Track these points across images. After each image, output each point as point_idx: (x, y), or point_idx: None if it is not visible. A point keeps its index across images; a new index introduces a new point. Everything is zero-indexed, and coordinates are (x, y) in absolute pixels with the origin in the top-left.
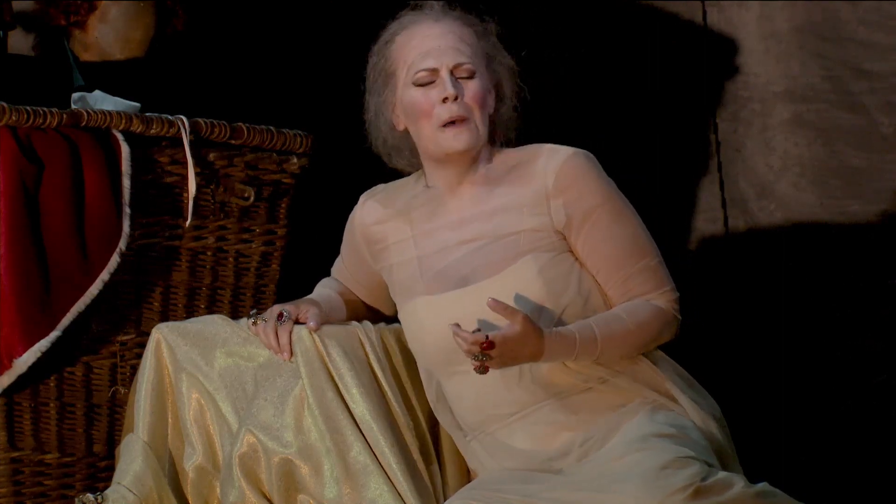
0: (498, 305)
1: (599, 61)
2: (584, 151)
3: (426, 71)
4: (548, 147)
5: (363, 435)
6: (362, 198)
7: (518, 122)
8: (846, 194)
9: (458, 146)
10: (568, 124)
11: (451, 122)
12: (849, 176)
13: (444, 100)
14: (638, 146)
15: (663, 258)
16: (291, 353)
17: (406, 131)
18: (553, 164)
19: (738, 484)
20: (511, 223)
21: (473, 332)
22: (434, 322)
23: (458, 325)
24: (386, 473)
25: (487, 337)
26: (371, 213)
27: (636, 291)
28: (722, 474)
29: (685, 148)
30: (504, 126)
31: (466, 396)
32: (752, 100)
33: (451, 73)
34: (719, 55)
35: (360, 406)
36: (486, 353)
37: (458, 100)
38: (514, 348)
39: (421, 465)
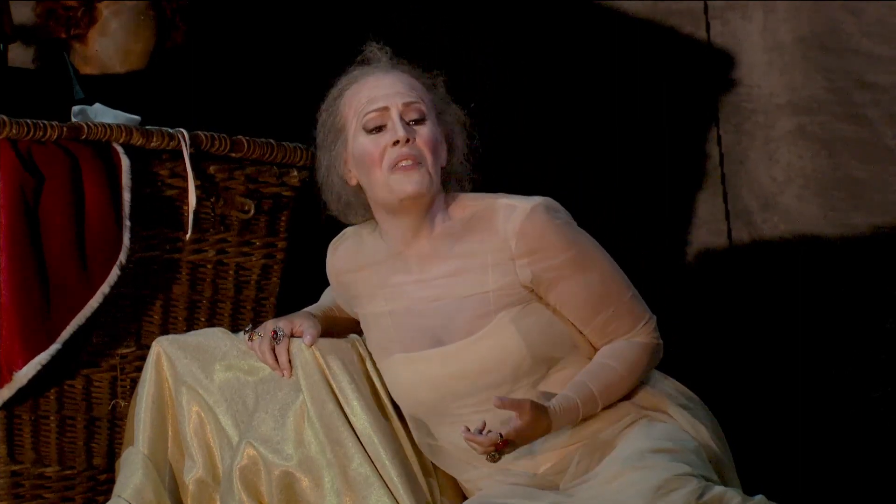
0: (504, 403)
1: (603, 74)
2: (542, 203)
3: (376, 111)
4: (503, 203)
5: (364, 447)
6: (331, 246)
7: (472, 172)
8: (850, 206)
9: (410, 189)
10: (572, 137)
11: (403, 165)
12: (852, 188)
13: (395, 143)
14: (642, 158)
15: (665, 270)
16: (291, 371)
17: (359, 186)
18: (512, 225)
19: (735, 499)
20: (477, 282)
21: (481, 431)
22: (414, 379)
23: (467, 430)
24: (387, 486)
25: (501, 436)
26: (341, 261)
27: (616, 333)
28: (718, 489)
29: (689, 160)
30: (457, 177)
31: (459, 438)
32: (756, 112)
33: (402, 116)
34: (723, 67)
35: (361, 419)
36: (502, 450)
37: (410, 142)
38: (526, 436)
39: (421, 479)
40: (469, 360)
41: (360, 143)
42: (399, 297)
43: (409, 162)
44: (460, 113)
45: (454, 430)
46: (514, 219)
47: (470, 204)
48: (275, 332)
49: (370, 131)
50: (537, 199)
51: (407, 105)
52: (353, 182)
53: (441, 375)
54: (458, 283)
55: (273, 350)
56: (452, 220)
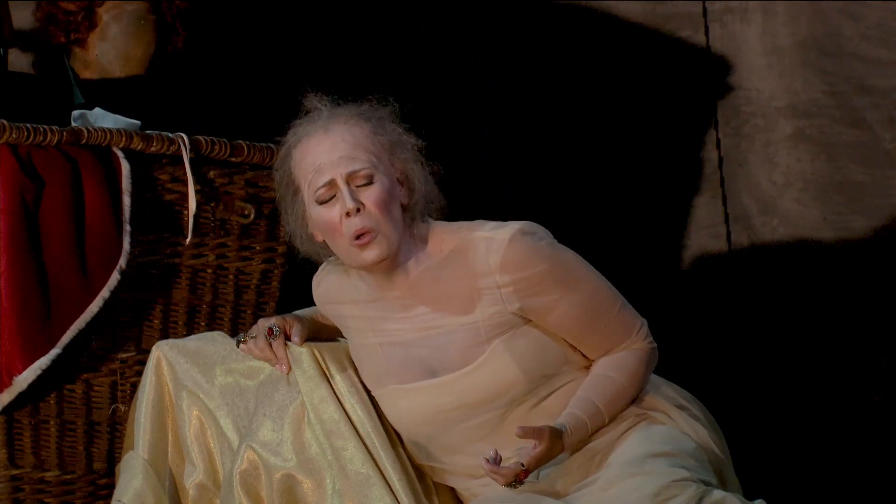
0: (526, 432)
1: (603, 77)
2: (519, 229)
3: (324, 187)
4: (481, 236)
5: (366, 447)
6: (315, 279)
7: (441, 196)
8: (849, 210)
9: (371, 259)
10: (572, 139)
11: (361, 236)
12: (852, 192)
13: (347, 214)
14: (641, 161)
15: (665, 273)
16: (290, 366)
17: (325, 242)
18: (494, 258)
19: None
20: (464, 314)
21: (496, 460)
22: (410, 410)
23: (487, 461)
24: (388, 486)
25: (522, 465)
26: (326, 294)
27: (611, 345)
28: (718, 494)
29: (688, 163)
30: (425, 207)
31: (460, 460)
32: (755, 115)
33: (348, 183)
34: (722, 71)
35: (361, 420)
36: (524, 479)
37: (361, 211)
38: (544, 461)
39: (419, 481)
40: (466, 391)
41: (317, 212)
42: (387, 330)
43: (364, 236)
44: (414, 142)
45: (453, 453)
46: (494, 251)
47: (447, 237)
48: (271, 329)
49: (322, 203)
50: (514, 226)
51: (351, 174)
52: (320, 239)
53: (438, 405)
54: (445, 316)
55: (271, 346)
56: (430, 257)
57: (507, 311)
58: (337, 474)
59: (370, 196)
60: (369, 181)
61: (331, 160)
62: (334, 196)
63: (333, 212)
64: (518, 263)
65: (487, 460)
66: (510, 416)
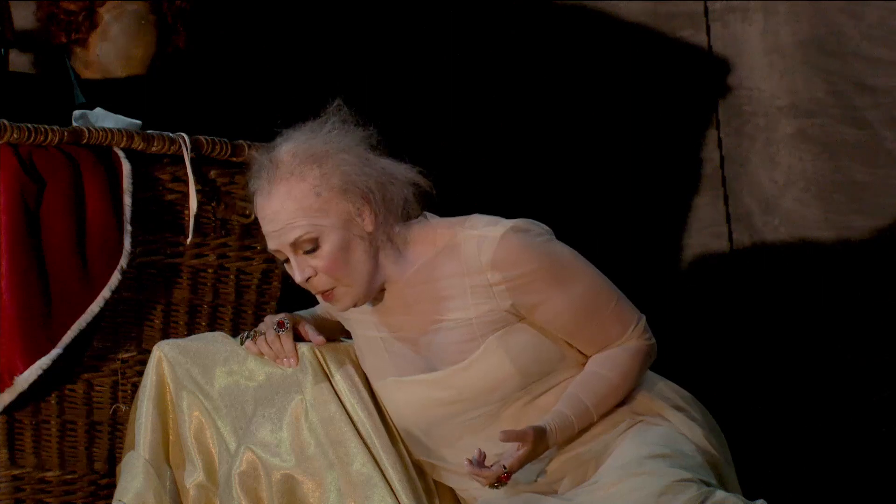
0: (509, 436)
1: (604, 76)
2: (512, 226)
3: (276, 252)
4: (473, 234)
5: (367, 447)
6: None
7: (422, 184)
8: (850, 209)
9: (340, 308)
10: (573, 139)
11: (323, 293)
12: (853, 191)
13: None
14: (643, 161)
15: (666, 273)
16: (297, 359)
17: None
18: (486, 256)
19: None
20: (458, 311)
21: (480, 461)
22: (407, 402)
23: (470, 463)
24: (389, 486)
25: (505, 467)
26: None
27: (607, 342)
28: (720, 494)
29: (690, 163)
30: (402, 216)
31: (455, 457)
32: (757, 114)
33: (295, 251)
34: (723, 70)
35: (363, 420)
36: (505, 481)
37: (311, 278)
38: (527, 462)
39: (420, 482)
40: (461, 386)
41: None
42: (388, 326)
43: (327, 294)
44: (370, 171)
45: (449, 448)
46: (485, 249)
47: (440, 232)
48: (282, 322)
49: (283, 262)
50: (507, 224)
51: (295, 243)
52: None
53: (435, 399)
54: (440, 313)
55: (279, 339)
56: (423, 255)
57: (500, 309)
58: (339, 474)
59: (320, 261)
60: (315, 246)
61: (274, 230)
62: (288, 259)
63: (293, 271)
64: (509, 262)
65: (470, 461)
66: (505, 412)
